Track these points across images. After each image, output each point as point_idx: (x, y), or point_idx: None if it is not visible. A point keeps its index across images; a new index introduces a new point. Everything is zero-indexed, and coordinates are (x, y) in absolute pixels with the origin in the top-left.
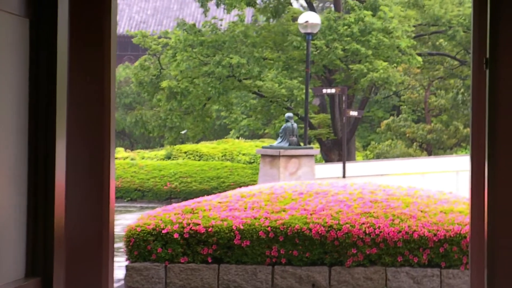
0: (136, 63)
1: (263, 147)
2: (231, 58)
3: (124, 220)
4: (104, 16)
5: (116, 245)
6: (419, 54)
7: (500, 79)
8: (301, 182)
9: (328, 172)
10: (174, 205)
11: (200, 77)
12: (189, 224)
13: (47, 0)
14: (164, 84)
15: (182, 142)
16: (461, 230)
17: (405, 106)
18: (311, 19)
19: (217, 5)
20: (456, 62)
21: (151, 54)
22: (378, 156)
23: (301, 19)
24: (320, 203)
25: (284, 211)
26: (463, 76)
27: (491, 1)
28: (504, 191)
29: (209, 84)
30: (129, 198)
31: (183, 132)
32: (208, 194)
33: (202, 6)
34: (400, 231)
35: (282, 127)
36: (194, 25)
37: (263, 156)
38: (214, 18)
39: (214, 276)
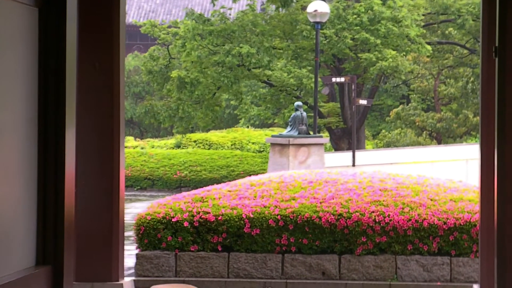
0: (146, 54)
1: (272, 136)
2: (241, 47)
3: (134, 209)
4: (112, 5)
5: (126, 234)
6: (429, 43)
7: (509, 67)
8: (310, 171)
9: (338, 160)
10: (184, 193)
11: (210, 66)
12: (199, 213)
13: None
14: (173, 74)
15: (192, 131)
16: (471, 219)
17: (414, 95)
18: (320, 8)
19: None
20: (465, 51)
21: (160, 44)
22: (387, 145)
23: (310, 8)
24: (329, 191)
25: (293, 199)
26: (472, 65)
27: None
28: None
29: (220, 73)
30: (139, 187)
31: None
32: (217, 183)
33: None
34: (409, 220)
35: (292, 116)
36: (202, 14)
37: (273, 145)
38: (222, 7)
39: (224, 264)
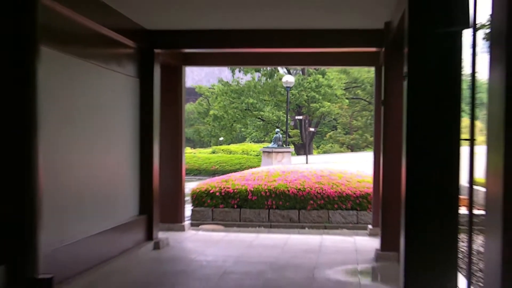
0: (196, 102)
1: (264, 147)
2: (249, 99)
3: (190, 185)
4: (178, 77)
5: (186, 198)
6: (347, 98)
7: (387, 112)
8: (284, 166)
9: (298, 160)
10: (216, 178)
11: (230, 109)
12: (224, 188)
13: (148, 67)
14: (211, 112)
15: (220, 144)
16: (368, 191)
17: (339, 126)
18: (289, 79)
19: (239, 71)
20: (366, 102)
21: (204, 97)
22: (325, 152)
23: (283, 79)
24: (294, 177)
25: (274, 181)
26: (370, 110)
27: (385, 71)
28: (388, 170)
29: (236, 113)
30: (192, 174)
31: (220, 139)
32: (234, 172)
33: (232, 72)
34: (336, 191)
35: (274, 137)
36: (227, 82)
37: (264, 152)
38: (238, 78)
39: (237, 215)
